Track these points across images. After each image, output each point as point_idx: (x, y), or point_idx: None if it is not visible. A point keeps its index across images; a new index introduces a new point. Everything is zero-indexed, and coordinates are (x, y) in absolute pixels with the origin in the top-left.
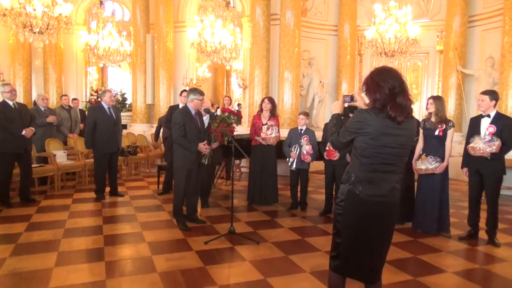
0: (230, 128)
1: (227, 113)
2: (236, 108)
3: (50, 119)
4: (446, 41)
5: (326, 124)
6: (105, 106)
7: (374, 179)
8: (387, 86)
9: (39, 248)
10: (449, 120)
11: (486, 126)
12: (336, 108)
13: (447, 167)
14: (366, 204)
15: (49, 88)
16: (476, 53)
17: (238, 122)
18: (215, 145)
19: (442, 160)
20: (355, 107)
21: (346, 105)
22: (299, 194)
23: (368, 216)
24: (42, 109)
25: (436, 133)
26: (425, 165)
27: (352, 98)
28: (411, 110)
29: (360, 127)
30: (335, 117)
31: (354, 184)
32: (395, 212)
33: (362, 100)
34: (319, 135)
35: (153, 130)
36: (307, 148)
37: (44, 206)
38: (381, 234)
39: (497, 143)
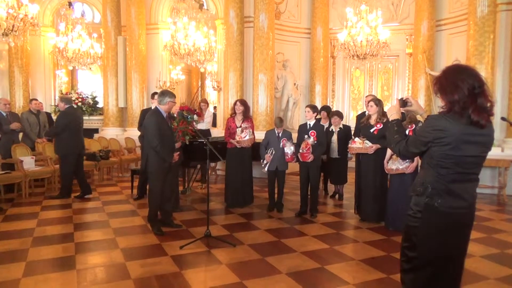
0: (190, 127)
1: (185, 111)
2: (212, 111)
3: (14, 125)
4: (415, 44)
5: (300, 126)
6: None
7: (455, 190)
8: (466, 86)
9: (6, 259)
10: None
11: None
12: (394, 113)
13: (417, 167)
14: (447, 217)
15: (15, 91)
16: (443, 56)
17: (196, 120)
18: (177, 145)
19: (412, 160)
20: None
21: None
22: (276, 195)
23: (450, 229)
24: (4, 114)
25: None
26: (395, 165)
27: (405, 103)
28: (492, 113)
29: (437, 136)
30: (395, 123)
31: (431, 197)
32: (473, 221)
33: (418, 105)
34: (294, 136)
35: (126, 134)
36: (291, 148)
37: (11, 215)
38: (462, 246)
39: None
